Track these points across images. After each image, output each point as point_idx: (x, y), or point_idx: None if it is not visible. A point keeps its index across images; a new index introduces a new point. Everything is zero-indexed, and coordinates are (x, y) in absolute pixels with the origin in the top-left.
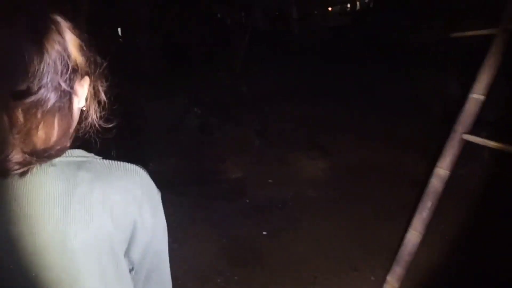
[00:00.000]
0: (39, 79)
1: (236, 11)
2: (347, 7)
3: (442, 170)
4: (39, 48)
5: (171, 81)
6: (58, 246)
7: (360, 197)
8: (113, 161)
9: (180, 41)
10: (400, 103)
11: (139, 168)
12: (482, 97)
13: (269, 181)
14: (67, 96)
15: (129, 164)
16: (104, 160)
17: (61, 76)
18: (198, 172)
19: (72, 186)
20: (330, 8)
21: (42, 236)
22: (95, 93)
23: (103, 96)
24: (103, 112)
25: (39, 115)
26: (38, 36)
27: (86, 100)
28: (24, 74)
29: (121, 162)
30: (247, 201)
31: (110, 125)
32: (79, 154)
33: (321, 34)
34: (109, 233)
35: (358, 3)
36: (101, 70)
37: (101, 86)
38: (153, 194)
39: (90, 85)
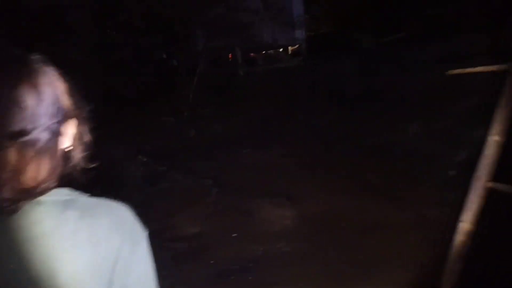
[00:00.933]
0: (34, 121)
1: (183, 53)
2: (279, 52)
3: (467, 224)
4: (36, 92)
5: (110, 126)
6: (46, 283)
7: (338, 250)
8: (98, 199)
9: (121, 83)
10: (360, 146)
11: (122, 205)
12: (502, 139)
13: (234, 235)
14: (56, 137)
15: (113, 201)
16: (90, 197)
17: (53, 119)
18: (147, 231)
19: (59, 224)
20: (263, 52)
21: (30, 273)
22: (79, 136)
23: (87, 138)
24: (86, 153)
25: (30, 155)
26: (35, 82)
27: (72, 142)
28: (21, 116)
29: (106, 200)
30: (212, 262)
31: (92, 166)
32: (66, 192)
33: (266, 76)
34: (94, 269)
35: (290, 48)
36: (85, 114)
37: (85, 128)
38: (136, 232)
39: (76, 127)
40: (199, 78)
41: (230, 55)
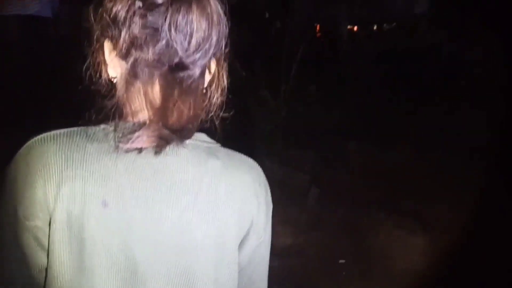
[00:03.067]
0: (195, 56)
1: (290, 16)
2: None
3: None
4: (207, 23)
5: None
6: (180, 236)
7: None
8: (235, 152)
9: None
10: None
11: (257, 164)
12: None
13: (341, 261)
14: (204, 75)
15: (249, 158)
16: (227, 149)
17: (208, 55)
18: None
19: (202, 173)
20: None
21: (166, 224)
22: (219, 76)
23: (225, 82)
24: (223, 99)
25: (179, 92)
26: (208, 11)
27: (211, 83)
28: (185, 47)
29: (242, 155)
30: None
31: (227, 115)
32: (205, 139)
33: (372, 59)
34: (229, 228)
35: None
36: (227, 51)
37: (225, 68)
38: (269, 195)
39: (217, 68)
40: (304, 50)
41: (317, 27)
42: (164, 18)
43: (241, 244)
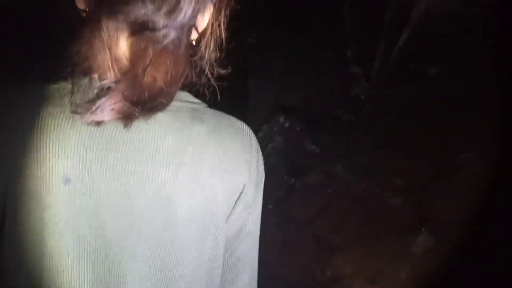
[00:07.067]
0: (172, 16)
1: None
2: None
3: None
4: None
5: None
6: (157, 213)
7: None
8: (223, 114)
9: None
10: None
11: (248, 127)
12: None
13: None
14: (187, 30)
15: (239, 120)
16: (214, 110)
17: (194, 8)
18: None
19: (185, 140)
20: None
21: (140, 200)
22: (213, 28)
23: (222, 32)
24: (218, 54)
25: (153, 52)
26: None
27: (203, 36)
28: (157, 4)
29: (232, 117)
30: None
31: (225, 71)
32: (189, 98)
33: None
34: (217, 203)
35: None
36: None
37: (225, 18)
38: (261, 164)
39: (212, 16)
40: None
41: None
42: None
43: (231, 216)
